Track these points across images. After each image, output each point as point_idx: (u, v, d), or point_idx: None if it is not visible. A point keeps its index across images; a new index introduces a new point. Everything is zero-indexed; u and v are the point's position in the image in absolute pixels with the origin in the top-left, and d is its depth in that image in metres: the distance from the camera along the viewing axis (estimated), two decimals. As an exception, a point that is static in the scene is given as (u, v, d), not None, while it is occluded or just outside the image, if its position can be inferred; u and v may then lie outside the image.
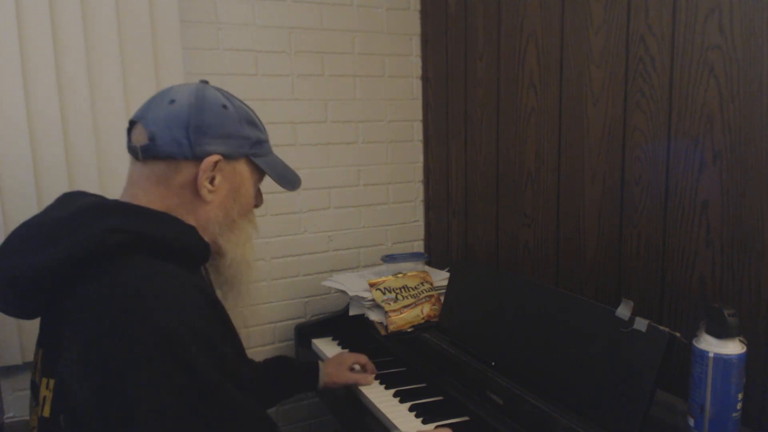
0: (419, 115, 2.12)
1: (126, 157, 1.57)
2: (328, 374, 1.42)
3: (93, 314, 0.76)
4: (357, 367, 1.47)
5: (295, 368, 1.41)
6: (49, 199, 1.49)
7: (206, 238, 0.94)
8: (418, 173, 2.15)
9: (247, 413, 0.81)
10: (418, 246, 2.18)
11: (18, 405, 1.61)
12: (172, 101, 0.90)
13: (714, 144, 1.13)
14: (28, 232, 0.85)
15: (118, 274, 0.78)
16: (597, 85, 1.37)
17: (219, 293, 0.99)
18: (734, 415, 0.96)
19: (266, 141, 1.01)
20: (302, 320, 1.95)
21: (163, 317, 0.74)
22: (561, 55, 1.47)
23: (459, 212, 1.97)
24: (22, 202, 1.49)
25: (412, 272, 1.73)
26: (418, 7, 2.06)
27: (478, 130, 1.82)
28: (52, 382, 0.80)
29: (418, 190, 2.16)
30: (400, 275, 1.69)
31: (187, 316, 0.76)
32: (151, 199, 0.90)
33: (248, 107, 0.99)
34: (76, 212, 0.84)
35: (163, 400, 0.72)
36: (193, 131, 0.89)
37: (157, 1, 1.61)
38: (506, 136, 1.69)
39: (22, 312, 0.85)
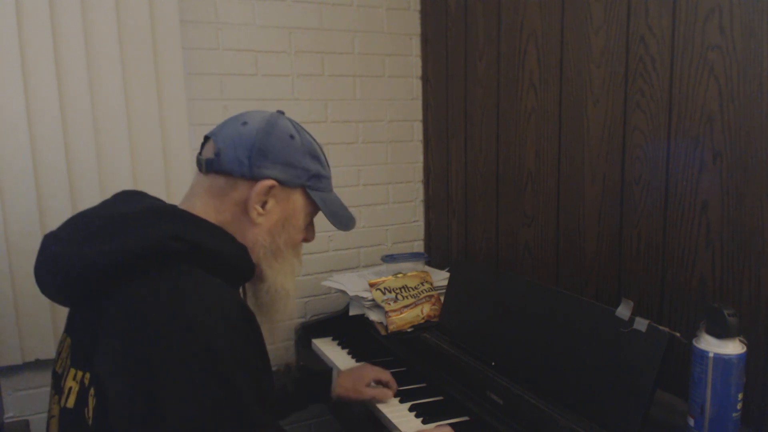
0: (419, 115, 2.12)
1: (125, 157, 1.59)
2: (343, 387, 1.36)
3: (138, 314, 0.77)
4: (373, 384, 1.39)
5: (307, 378, 1.37)
6: (49, 199, 1.52)
7: (251, 258, 0.95)
8: (418, 173, 2.15)
9: None
10: (418, 246, 2.18)
11: (18, 405, 1.61)
12: (245, 123, 0.94)
13: (714, 144, 1.13)
14: (88, 222, 0.87)
15: (170, 280, 0.79)
16: (597, 85, 1.37)
17: None
18: (734, 415, 0.96)
19: (327, 177, 1.01)
20: (302, 320, 1.95)
21: (207, 331, 0.75)
22: (561, 55, 1.47)
23: (459, 212, 1.97)
24: (22, 202, 1.50)
25: (412, 272, 1.73)
26: (418, 7, 2.06)
27: (478, 130, 1.82)
28: (80, 374, 0.81)
29: (418, 190, 2.16)
30: (400, 275, 1.69)
31: (229, 333, 0.78)
32: (207, 210, 0.93)
33: (316, 143, 1.01)
34: (141, 212, 0.86)
35: (195, 410, 0.73)
36: (255, 153, 0.91)
37: (157, 1, 1.61)
38: (506, 136, 1.69)
39: (65, 298, 0.87)
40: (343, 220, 1.03)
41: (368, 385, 1.37)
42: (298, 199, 0.98)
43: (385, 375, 1.39)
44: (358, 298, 1.68)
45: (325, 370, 1.40)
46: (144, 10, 1.59)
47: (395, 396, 1.37)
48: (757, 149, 1.06)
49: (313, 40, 1.90)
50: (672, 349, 1.00)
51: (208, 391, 0.74)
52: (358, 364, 1.51)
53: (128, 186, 1.58)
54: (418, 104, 2.11)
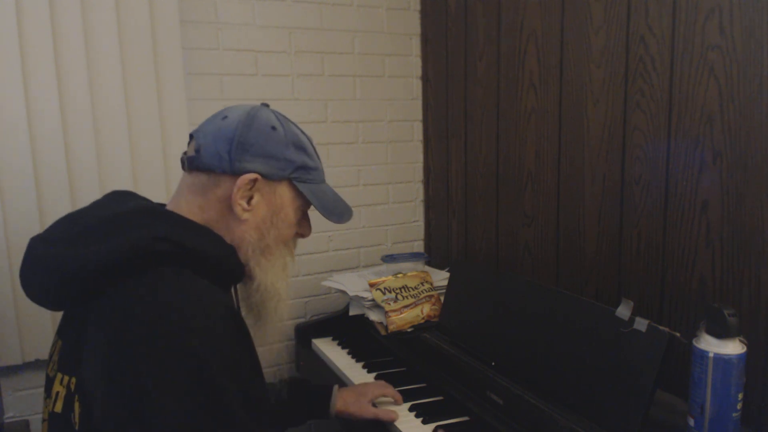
0: (419, 115, 2.12)
1: (125, 157, 1.59)
2: (344, 402, 1.29)
3: (124, 318, 0.75)
4: (383, 398, 1.34)
5: (305, 393, 1.32)
6: (49, 199, 1.52)
7: (240, 258, 0.93)
8: (418, 173, 2.15)
9: None
10: (418, 246, 2.18)
11: (18, 405, 1.61)
12: (225, 117, 0.92)
13: (714, 144, 1.13)
14: (75, 224, 0.86)
15: (155, 282, 0.78)
16: (597, 85, 1.37)
17: (245, 317, 0.98)
18: (734, 415, 0.96)
19: (315, 169, 0.98)
20: (302, 320, 1.95)
21: (193, 336, 0.74)
22: (561, 55, 1.47)
23: (459, 212, 1.97)
24: (22, 202, 1.49)
25: (412, 272, 1.73)
26: (418, 7, 2.06)
27: (478, 130, 1.82)
28: (66, 378, 0.80)
29: (418, 190, 2.16)
30: (400, 275, 1.69)
31: (216, 337, 0.76)
32: (191, 209, 0.91)
33: (304, 134, 0.97)
34: (129, 213, 0.85)
35: (180, 417, 0.72)
36: (235, 147, 0.89)
37: (157, 1, 1.61)
38: (506, 136, 1.69)
39: (51, 302, 0.86)
40: (336, 212, 0.99)
41: (372, 403, 1.30)
42: (284, 193, 0.94)
43: (390, 390, 1.33)
44: (358, 298, 1.68)
45: (324, 385, 1.33)
46: (144, 10, 1.59)
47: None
48: (757, 149, 1.06)
49: (313, 40, 1.90)
50: (672, 349, 1.00)
51: (193, 397, 0.72)
52: (361, 384, 1.40)
53: (128, 186, 1.59)
54: (418, 104, 2.11)
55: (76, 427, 0.77)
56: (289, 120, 0.97)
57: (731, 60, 1.09)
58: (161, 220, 0.86)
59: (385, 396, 1.33)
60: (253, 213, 0.91)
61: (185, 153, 0.94)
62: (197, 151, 0.91)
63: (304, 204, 0.98)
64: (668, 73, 1.21)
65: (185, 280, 0.80)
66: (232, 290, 0.99)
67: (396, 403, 1.32)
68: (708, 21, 1.12)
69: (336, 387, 1.32)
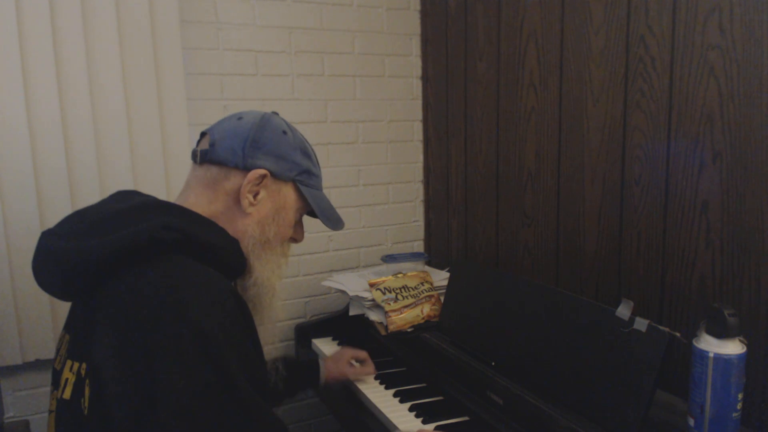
0: (419, 115, 2.12)
1: (125, 157, 1.59)
2: (327, 370, 1.45)
3: (132, 301, 0.78)
4: (356, 364, 1.49)
5: (296, 367, 1.43)
6: (50, 198, 1.52)
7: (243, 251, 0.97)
8: (418, 173, 2.15)
9: (266, 422, 0.82)
10: (418, 246, 2.18)
11: (18, 405, 1.61)
12: (240, 118, 0.99)
13: (714, 144, 1.13)
14: (83, 218, 0.89)
15: (162, 268, 0.81)
16: (597, 85, 1.37)
17: None
18: (734, 415, 0.96)
19: (317, 176, 1.04)
20: (302, 320, 1.96)
21: (200, 315, 0.77)
22: (561, 55, 1.47)
23: (459, 212, 1.97)
24: (22, 202, 1.50)
25: (412, 272, 1.73)
26: (418, 7, 2.06)
27: (478, 130, 1.82)
28: (77, 365, 0.82)
29: (418, 190, 2.16)
30: (400, 275, 1.69)
31: (222, 318, 0.79)
32: (199, 200, 0.95)
33: (308, 143, 1.04)
34: (135, 207, 0.89)
35: (190, 396, 0.74)
36: (249, 144, 0.95)
37: (157, 1, 1.61)
38: (506, 136, 1.69)
39: (63, 293, 0.89)
40: (332, 218, 1.06)
41: (348, 364, 1.47)
42: (289, 193, 1.00)
43: (363, 353, 1.50)
44: (358, 298, 1.68)
45: (312, 360, 1.46)
46: (144, 10, 1.59)
47: (376, 379, 1.44)
48: (757, 149, 1.06)
49: (313, 40, 1.90)
50: (672, 349, 1.00)
51: (200, 374, 0.75)
52: (336, 350, 1.58)
53: (128, 186, 1.59)
54: (418, 104, 2.11)
55: (85, 412, 0.78)
56: (296, 129, 1.04)
57: (731, 60, 1.09)
58: (166, 211, 0.89)
59: (359, 358, 1.50)
60: (258, 208, 0.96)
61: (197, 147, 0.98)
62: (212, 145, 0.96)
63: (303, 207, 1.03)
64: (668, 73, 1.21)
65: (190, 266, 0.83)
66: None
67: (369, 374, 1.48)
68: (708, 21, 1.12)
69: (321, 361, 1.46)
